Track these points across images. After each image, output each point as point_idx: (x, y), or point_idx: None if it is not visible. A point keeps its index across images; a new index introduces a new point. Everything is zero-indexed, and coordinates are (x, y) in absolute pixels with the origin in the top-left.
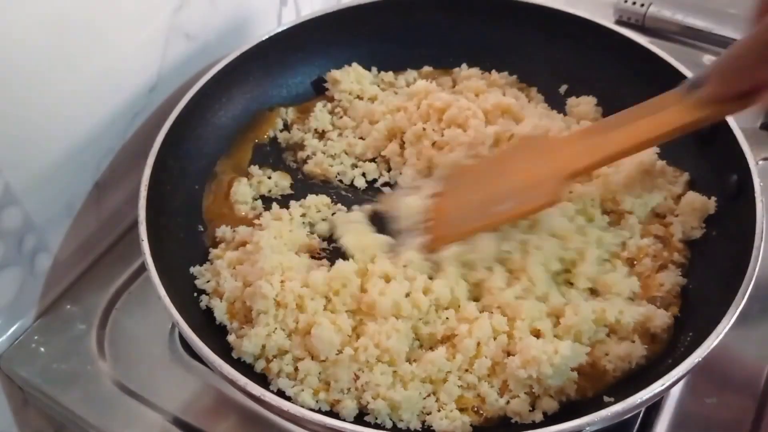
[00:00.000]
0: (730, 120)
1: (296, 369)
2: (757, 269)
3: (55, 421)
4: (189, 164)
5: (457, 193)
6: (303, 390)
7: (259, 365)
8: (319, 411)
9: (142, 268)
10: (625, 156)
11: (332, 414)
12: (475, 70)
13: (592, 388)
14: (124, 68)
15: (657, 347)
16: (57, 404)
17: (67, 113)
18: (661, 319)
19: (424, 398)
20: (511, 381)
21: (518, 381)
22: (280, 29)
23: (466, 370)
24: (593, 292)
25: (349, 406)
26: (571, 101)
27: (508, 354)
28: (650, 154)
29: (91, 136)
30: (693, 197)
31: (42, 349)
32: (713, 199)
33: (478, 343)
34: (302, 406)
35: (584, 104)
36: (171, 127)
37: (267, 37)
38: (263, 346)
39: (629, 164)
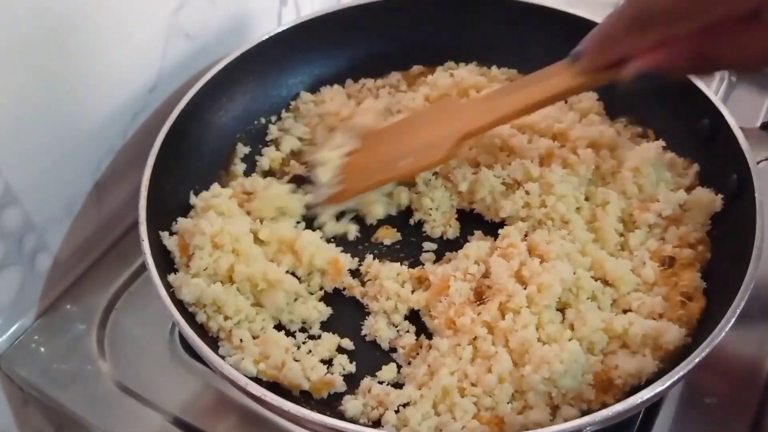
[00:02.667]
0: (730, 120)
1: (230, 333)
2: (757, 270)
3: (55, 420)
4: (189, 164)
5: (369, 151)
6: (243, 358)
7: (200, 318)
8: (320, 412)
9: (143, 267)
10: (515, 117)
11: (334, 414)
12: (473, 66)
13: (610, 399)
14: (124, 68)
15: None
16: (57, 404)
17: (67, 113)
18: (673, 334)
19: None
20: (529, 394)
21: (536, 391)
22: (280, 29)
23: (486, 393)
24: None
25: (355, 406)
26: (572, 98)
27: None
28: (656, 146)
29: (91, 136)
30: (700, 193)
31: (42, 349)
32: (719, 196)
33: (500, 377)
34: (244, 375)
35: (586, 100)
36: (171, 126)
37: (267, 37)
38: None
39: (636, 158)
